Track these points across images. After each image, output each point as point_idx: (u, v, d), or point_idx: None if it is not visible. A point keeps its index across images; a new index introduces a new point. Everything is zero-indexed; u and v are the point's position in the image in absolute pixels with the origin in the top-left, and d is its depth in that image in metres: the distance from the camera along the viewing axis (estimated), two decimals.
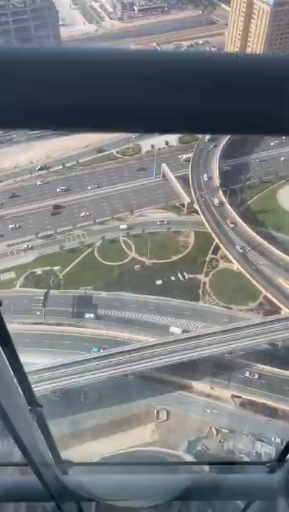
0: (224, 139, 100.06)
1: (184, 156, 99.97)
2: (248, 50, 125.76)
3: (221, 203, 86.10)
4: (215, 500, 5.16)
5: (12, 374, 2.55)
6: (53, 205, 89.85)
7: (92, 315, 70.87)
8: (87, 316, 70.71)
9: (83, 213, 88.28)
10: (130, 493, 3.97)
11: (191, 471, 6.58)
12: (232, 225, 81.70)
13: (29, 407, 3.09)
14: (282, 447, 3.99)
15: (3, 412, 2.49)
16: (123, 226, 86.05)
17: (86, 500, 4.00)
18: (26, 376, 2.77)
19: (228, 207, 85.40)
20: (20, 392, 2.81)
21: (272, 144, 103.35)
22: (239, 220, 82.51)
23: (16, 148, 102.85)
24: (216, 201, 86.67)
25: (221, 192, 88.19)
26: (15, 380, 2.67)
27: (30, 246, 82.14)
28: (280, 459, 4.00)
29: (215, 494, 4.40)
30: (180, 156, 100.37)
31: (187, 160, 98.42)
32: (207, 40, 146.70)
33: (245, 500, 4.87)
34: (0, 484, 3.86)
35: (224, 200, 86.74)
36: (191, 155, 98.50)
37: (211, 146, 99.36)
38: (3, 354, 2.22)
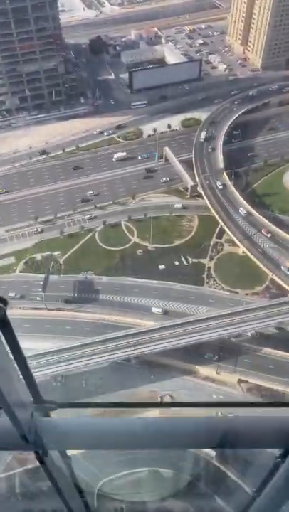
0: (224, 129, 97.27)
1: (118, 155, 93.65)
2: (252, 33, 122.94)
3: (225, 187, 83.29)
4: None
5: None
6: (146, 169, 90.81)
7: (159, 309, 66.35)
8: (154, 310, 66.47)
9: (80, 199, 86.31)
10: (124, 438, 3.26)
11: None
12: (268, 235, 75.53)
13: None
14: None
15: None
16: (178, 205, 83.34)
17: (71, 448, 3.43)
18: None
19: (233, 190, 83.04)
20: None
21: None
22: (274, 227, 76.47)
23: (15, 132, 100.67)
24: (219, 183, 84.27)
25: (225, 175, 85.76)
26: None
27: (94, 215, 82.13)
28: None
29: None
30: (114, 156, 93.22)
31: (121, 159, 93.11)
32: (209, 25, 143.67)
33: None
34: None
35: (228, 182, 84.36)
36: (124, 153, 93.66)
37: (210, 150, 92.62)
38: None
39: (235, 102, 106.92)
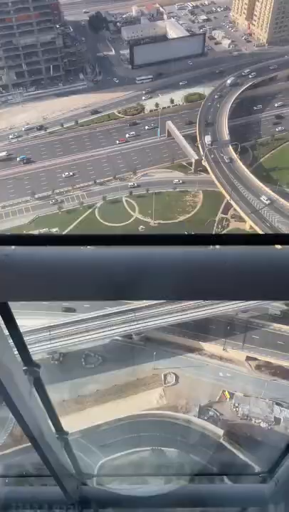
0: (229, 103, 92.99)
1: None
2: (258, 6, 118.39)
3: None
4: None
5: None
6: None
7: None
8: None
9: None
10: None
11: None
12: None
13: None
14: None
15: None
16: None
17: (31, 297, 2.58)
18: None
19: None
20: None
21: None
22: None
23: (12, 109, 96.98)
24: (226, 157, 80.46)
25: (230, 147, 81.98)
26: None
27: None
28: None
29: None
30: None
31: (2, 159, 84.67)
32: (213, 1, 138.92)
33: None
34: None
35: (235, 156, 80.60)
36: (4, 154, 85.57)
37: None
38: None
39: (241, 77, 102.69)
